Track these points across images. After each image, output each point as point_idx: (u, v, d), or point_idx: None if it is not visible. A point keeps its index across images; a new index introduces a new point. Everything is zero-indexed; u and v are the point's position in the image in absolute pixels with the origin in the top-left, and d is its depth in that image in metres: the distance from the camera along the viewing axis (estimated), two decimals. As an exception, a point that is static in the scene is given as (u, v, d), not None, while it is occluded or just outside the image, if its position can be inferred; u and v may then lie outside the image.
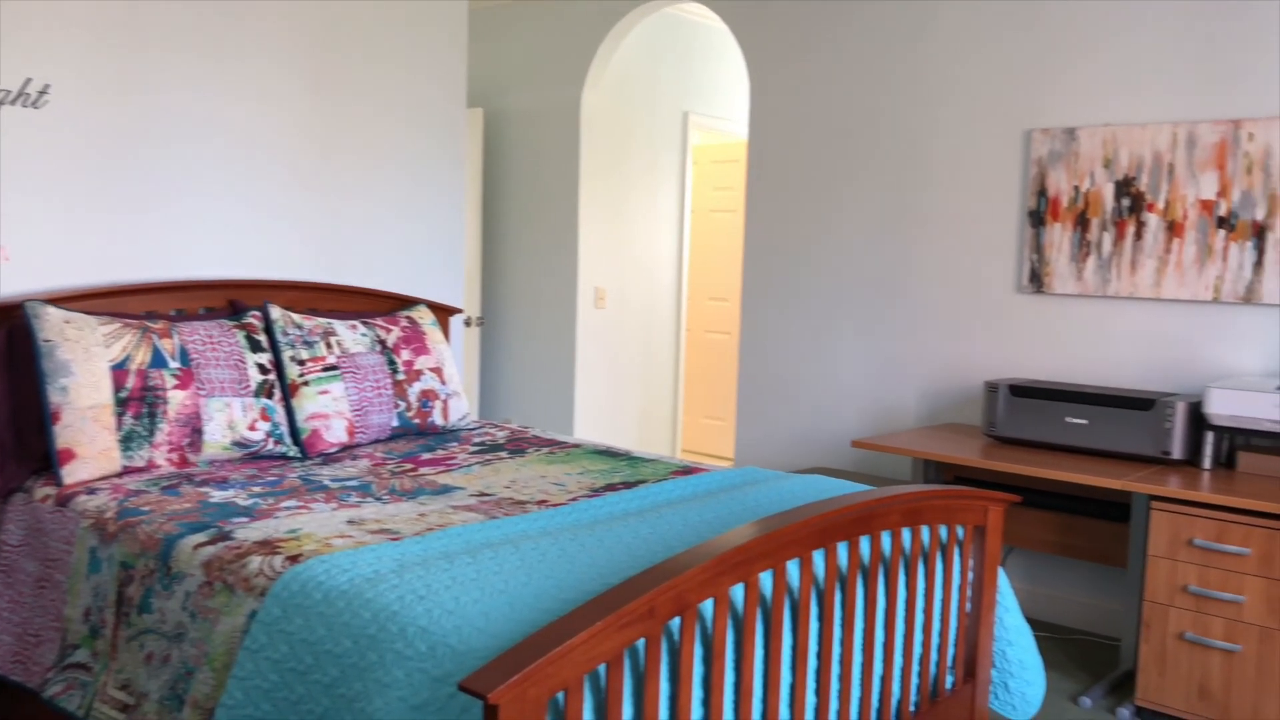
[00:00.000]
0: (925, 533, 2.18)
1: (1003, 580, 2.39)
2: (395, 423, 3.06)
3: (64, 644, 2.23)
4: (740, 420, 4.50)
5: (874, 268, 4.06)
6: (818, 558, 1.91)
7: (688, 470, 2.78)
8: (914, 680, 2.13)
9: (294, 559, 1.90)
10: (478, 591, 1.68)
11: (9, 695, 2.52)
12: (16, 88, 2.75)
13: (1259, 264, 3.22)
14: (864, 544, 2.03)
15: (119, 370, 2.58)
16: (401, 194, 3.76)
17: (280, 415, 2.84)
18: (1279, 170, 3.16)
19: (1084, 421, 3.17)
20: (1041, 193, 3.63)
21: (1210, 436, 3.03)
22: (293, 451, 2.84)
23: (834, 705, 1.91)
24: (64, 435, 2.48)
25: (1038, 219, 3.65)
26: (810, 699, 1.85)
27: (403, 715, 1.51)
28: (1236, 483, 2.86)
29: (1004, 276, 3.74)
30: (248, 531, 2.07)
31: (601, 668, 1.47)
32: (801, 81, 4.23)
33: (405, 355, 3.17)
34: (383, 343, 3.13)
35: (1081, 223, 3.56)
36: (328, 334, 3.02)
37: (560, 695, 1.41)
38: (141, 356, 2.63)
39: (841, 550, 2.00)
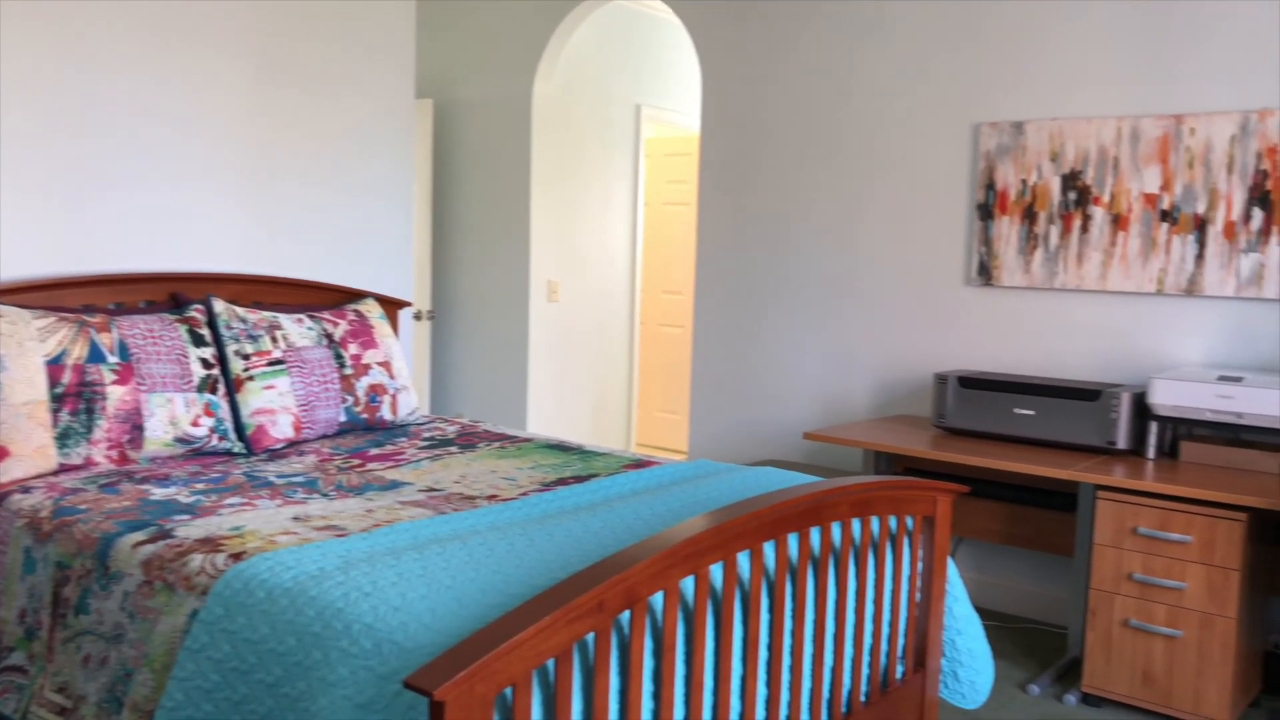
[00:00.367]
0: (875, 523, 2.19)
1: (952, 570, 2.41)
2: (343, 418, 3.02)
3: (-2, 647, 2.17)
4: (694, 413, 4.50)
5: (826, 261, 4.08)
6: (768, 549, 1.91)
7: (640, 464, 2.77)
8: (864, 670, 2.14)
9: (237, 557, 1.86)
10: (425, 588, 1.66)
11: (-58, 700, 2.45)
12: (-54, 74, 2.67)
13: (1200, 257, 3.27)
14: (814, 535, 2.03)
15: (54, 365, 2.51)
16: (349, 186, 3.70)
17: (224, 411, 2.78)
18: (1219, 164, 3.22)
19: (1031, 412, 3.20)
20: (990, 186, 3.67)
21: (1154, 426, 3.08)
22: (237, 448, 2.79)
23: (785, 696, 1.91)
24: (-3, 432, 2.41)
25: (986, 212, 3.68)
26: (761, 690, 1.85)
27: (348, 714, 1.48)
28: (1179, 472, 2.91)
29: (953, 269, 3.77)
30: (189, 529, 2.03)
31: (550, 662, 1.46)
32: (753, 75, 4.24)
33: (353, 349, 3.12)
34: (330, 337, 3.09)
35: (1029, 216, 3.60)
36: (273, 328, 2.97)
37: (508, 691, 1.40)
38: (78, 351, 2.56)
39: (792, 542, 2.00)
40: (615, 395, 5.77)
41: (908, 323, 3.88)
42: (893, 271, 3.91)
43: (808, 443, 4.16)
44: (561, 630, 1.40)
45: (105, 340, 2.62)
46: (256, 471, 2.56)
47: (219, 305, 2.93)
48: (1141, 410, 3.12)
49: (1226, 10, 3.20)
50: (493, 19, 5.18)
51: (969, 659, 2.39)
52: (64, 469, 2.49)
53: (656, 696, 1.61)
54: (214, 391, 2.77)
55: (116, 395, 2.57)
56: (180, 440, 2.67)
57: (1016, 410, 3.23)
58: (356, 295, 3.54)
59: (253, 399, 2.82)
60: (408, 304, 3.76)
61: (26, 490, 2.33)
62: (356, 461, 2.70)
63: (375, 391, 3.12)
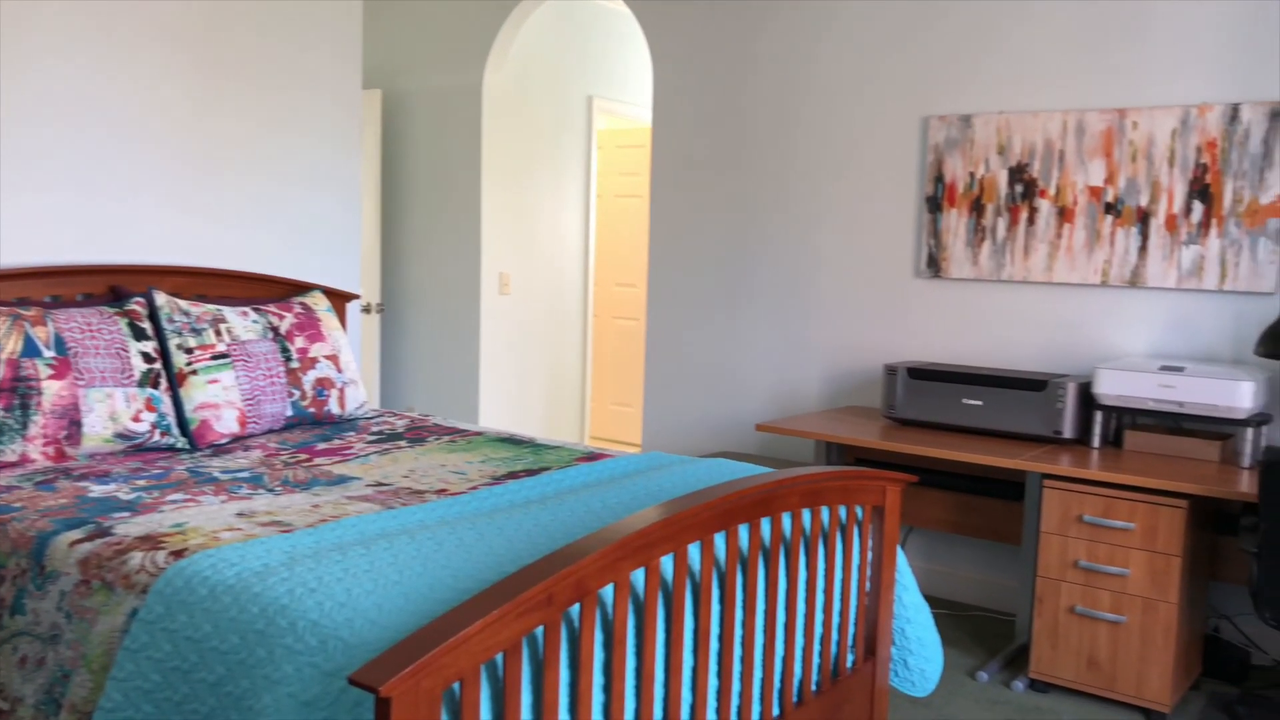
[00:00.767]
0: (825, 514, 2.20)
1: (901, 559, 2.43)
2: (289, 412, 2.97)
3: (-70, 650, 2.11)
4: (647, 406, 4.50)
5: (778, 253, 4.09)
6: (719, 540, 1.91)
7: (591, 456, 2.76)
8: (815, 660, 2.15)
9: (179, 554, 1.82)
10: (371, 583, 1.63)
11: None
12: None
13: (1143, 249, 3.33)
14: (765, 526, 2.04)
15: (-11, 360, 2.44)
16: (294, 177, 3.64)
17: (167, 405, 2.73)
18: (1161, 158, 3.27)
19: (979, 403, 3.24)
20: (939, 179, 3.70)
21: (1099, 416, 3.13)
22: (181, 443, 2.73)
23: (736, 687, 1.91)
24: (-72, 429, 2.34)
25: (935, 205, 3.71)
26: (712, 681, 1.85)
27: (292, 712, 1.46)
28: (1123, 460, 2.96)
29: (903, 261, 3.80)
30: (129, 527, 1.98)
31: (499, 657, 1.44)
32: (705, 68, 4.23)
33: (299, 342, 3.07)
34: (275, 330, 3.03)
35: (977, 208, 3.64)
36: (217, 321, 2.91)
37: (456, 686, 1.38)
38: (12, 345, 2.49)
39: (742, 533, 2.00)
40: (569, 388, 5.75)
41: (858, 315, 3.90)
42: (844, 264, 3.93)
43: (761, 434, 4.17)
44: (510, 624, 1.38)
45: (40, 334, 2.55)
46: (200, 467, 2.51)
47: (161, 298, 2.87)
48: (1087, 400, 3.17)
49: (1168, 7, 3.25)
50: (442, 8, 5.12)
51: (918, 647, 2.41)
52: (-1, 466, 2.42)
53: (607, 689, 1.60)
54: (156, 386, 2.71)
55: (53, 390, 2.51)
56: (121, 436, 2.61)
57: (965, 401, 3.27)
58: (303, 288, 3.48)
59: (196, 393, 2.76)
60: (355, 296, 3.71)
61: (-41, 488, 2.26)
62: (303, 456, 2.66)
63: (322, 385, 3.08)
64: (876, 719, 2.34)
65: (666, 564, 1.79)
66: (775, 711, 2.03)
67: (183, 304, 2.90)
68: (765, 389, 4.15)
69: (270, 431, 2.95)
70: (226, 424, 2.79)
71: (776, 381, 4.12)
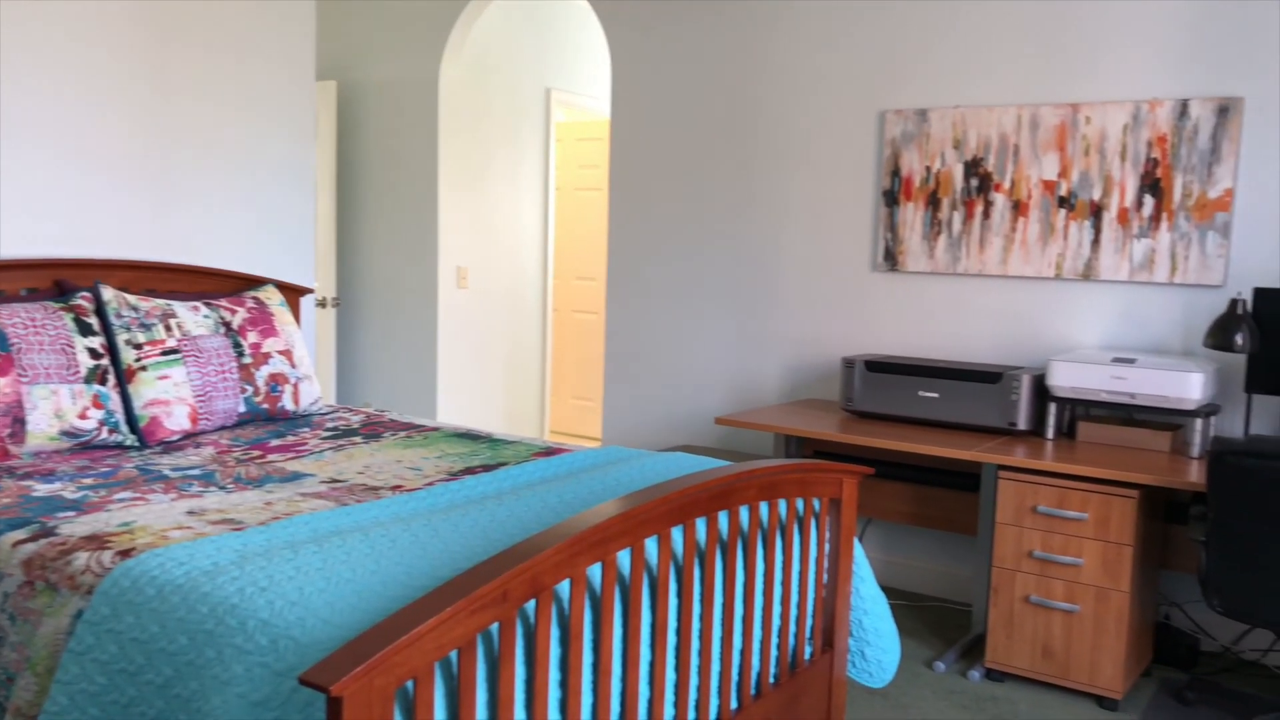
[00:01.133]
0: (782, 507, 2.20)
1: (858, 551, 2.44)
2: (242, 408, 2.92)
3: None
4: (607, 400, 4.49)
5: (737, 247, 4.09)
6: (676, 534, 1.90)
7: (550, 451, 2.74)
8: (773, 652, 2.15)
9: (125, 553, 1.78)
10: (323, 581, 1.61)
11: None
12: None
13: (1096, 242, 3.37)
14: (723, 519, 2.03)
15: (-72, 356, 2.37)
16: (246, 168, 3.58)
17: (115, 402, 2.67)
18: (1113, 152, 3.31)
19: (936, 395, 3.26)
20: (895, 173, 3.72)
21: (1053, 407, 3.16)
22: (130, 440, 2.68)
23: (694, 680, 1.90)
24: None
25: (892, 199, 3.73)
26: (670, 675, 1.84)
27: (242, 712, 1.43)
28: (1076, 451, 3.00)
29: (860, 255, 3.82)
30: (74, 526, 1.94)
31: (453, 654, 1.43)
32: (663, 61, 4.22)
33: (252, 337, 3.02)
34: (227, 325, 2.98)
35: (933, 202, 3.66)
36: (167, 316, 2.86)
37: (409, 684, 1.36)
38: (-46, 341, 2.43)
39: (700, 526, 1.99)
40: (528, 382, 5.72)
41: (817, 308, 3.92)
42: (802, 258, 3.94)
43: (720, 427, 4.18)
44: (464, 622, 1.37)
45: (-17, 329, 2.49)
46: (150, 465, 2.46)
47: (108, 293, 2.81)
48: (1041, 392, 3.20)
49: (1120, 4, 3.29)
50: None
51: (876, 638, 2.43)
52: (-61, 465, 2.36)
53: (564, 685, 1.59)
54: (103, 382, 2.66)
55: (-4, 387, 2.45)
56: (67, 434, 2.55)
57: (921, 393, 3.29)
58: (256, 282, 3.43)
59: (145, 390, 2.71)
60: (310, 291, 3.66)
61: (-103, 488, 2.20)
62: (256, 453, 2.62)
63: (276, 381, 3.03)
64: (834, 710, 2.35)
65: (624, 559, 1.79)
66: (733, 704, 2.03)
67: (131, 299, 2.84)
68: (724, 382, 4.16)
69: (223, 428, 2.90)
70: (177, 421, 2.74)
71: (736, 375, 4.13)
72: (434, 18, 4.95)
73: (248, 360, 2.97)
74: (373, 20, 5.16)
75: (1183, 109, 3.18)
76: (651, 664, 1.78)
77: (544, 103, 5.62)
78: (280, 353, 3.08)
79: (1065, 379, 3.08)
